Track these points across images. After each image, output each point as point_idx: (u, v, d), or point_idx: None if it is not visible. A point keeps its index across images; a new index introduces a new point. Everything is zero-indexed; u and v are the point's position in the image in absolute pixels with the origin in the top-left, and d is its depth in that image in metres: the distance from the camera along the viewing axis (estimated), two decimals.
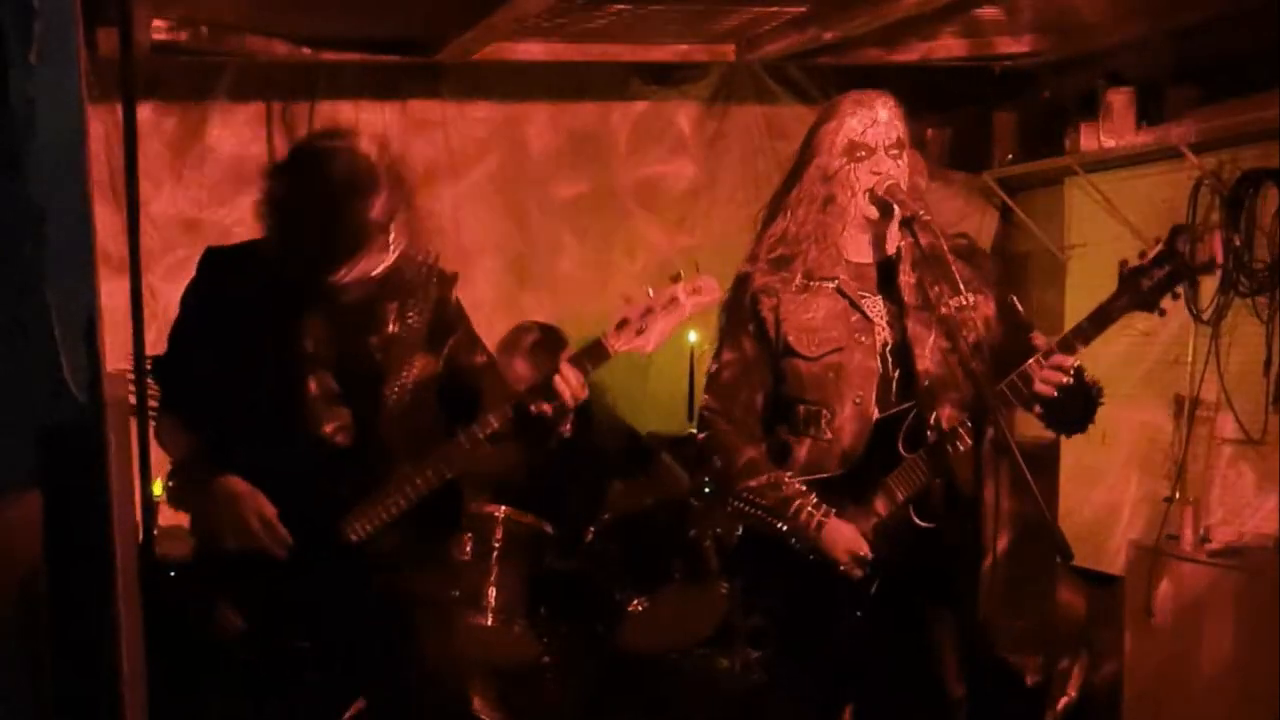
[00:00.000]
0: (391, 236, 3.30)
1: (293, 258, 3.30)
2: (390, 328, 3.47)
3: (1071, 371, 3.41)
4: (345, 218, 3.24)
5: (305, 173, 3.33)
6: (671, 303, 3.50)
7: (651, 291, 3.50)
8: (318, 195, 3.26)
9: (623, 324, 3.48)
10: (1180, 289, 3.43)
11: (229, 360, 3.40)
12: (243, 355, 3.39)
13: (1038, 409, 3.47)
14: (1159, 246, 3.38)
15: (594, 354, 3.47)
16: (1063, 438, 5.87)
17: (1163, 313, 3.41)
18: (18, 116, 1.63)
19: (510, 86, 6.34)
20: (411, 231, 3.36)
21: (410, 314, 3.49)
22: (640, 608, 5.01)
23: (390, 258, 3.32)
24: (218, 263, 3.52)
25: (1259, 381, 5.15)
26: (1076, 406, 3.50)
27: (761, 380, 3.61)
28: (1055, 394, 3.40)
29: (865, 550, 3.46)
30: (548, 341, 5.45)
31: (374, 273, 3.31)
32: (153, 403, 3.43)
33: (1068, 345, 3.41)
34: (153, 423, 3.43)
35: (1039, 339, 3.54)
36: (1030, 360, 3.41)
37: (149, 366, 3.08)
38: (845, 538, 3.47)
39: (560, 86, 6.40)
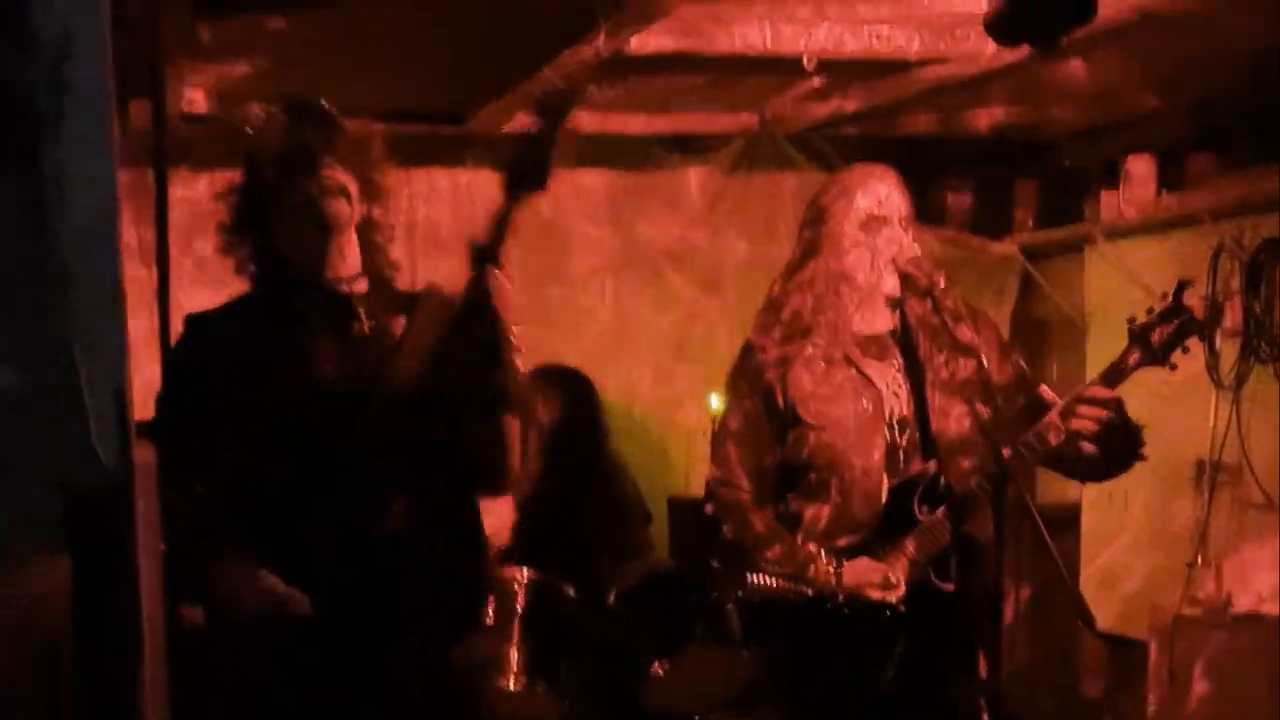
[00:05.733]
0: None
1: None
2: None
3: (1113, 405, 3.37)
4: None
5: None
6: None
7: None
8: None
9: None
10: (1190, 343, 3.41)
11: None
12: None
13: (1085, 446, 3.37)
14: (1166, 301, 3.39)
15: None
16: (1083, 502, 5.93)
17: (1173, 367, 3.38)
18: (49, 186, 1.66)
19: None
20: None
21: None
22: (662, 670, 5.01)
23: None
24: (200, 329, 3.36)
25: None
26: (1120, 442, 3.44)
27: (768, 448, 3.63)
28: (1097, 429, 3.34)
29: (890, 573, 3.45)
30: (569, 390, 5.51)
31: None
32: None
33: (1106, 380, 3.38)
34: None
35: (1046, 393, 3.54)
36: (1064, 401, 3.37)
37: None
38: (866, 570, 3.46)
39: (583, 155, 6.43)
